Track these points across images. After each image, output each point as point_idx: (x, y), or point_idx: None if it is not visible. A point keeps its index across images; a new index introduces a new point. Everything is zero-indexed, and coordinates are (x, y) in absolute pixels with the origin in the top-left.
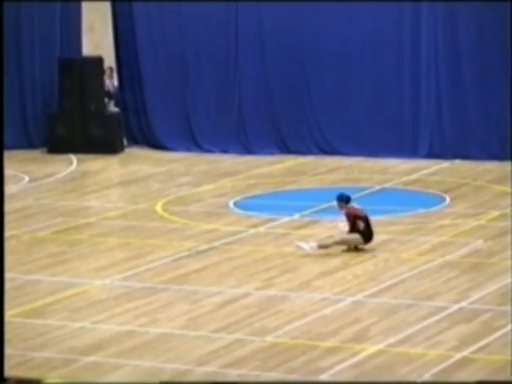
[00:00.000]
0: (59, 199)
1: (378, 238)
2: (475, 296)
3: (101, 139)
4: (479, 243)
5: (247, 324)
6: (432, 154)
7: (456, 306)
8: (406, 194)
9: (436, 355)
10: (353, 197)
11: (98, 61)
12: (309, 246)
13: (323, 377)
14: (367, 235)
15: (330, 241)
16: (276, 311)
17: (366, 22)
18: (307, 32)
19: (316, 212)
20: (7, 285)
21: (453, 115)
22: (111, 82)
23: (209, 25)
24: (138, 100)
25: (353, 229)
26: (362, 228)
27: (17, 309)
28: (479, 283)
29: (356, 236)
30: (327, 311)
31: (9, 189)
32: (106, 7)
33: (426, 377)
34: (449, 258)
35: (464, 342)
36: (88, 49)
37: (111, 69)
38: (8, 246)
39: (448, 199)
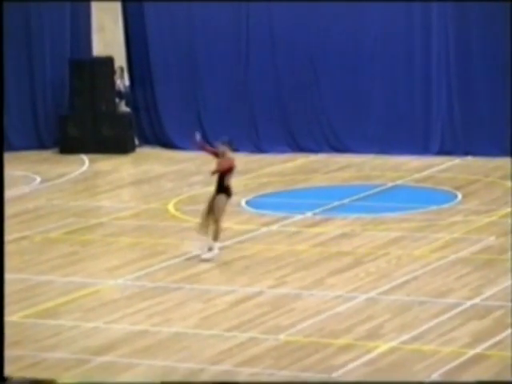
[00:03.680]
0: (71, 199)
1: (390, 234)
2: (488, 292)
3: (112, 139)
4: (491, 240)
5: (260, 322)
6: (443, 151)
7: (469, 303)
8: (417, 191)
9: (449, 352)
10: (364, 194)
11: (109, 61)
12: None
13: (336, 374)
14: (230, 191)
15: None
16: (289, 309)
17: (377, 19)
18: (317, 30)
19: (328, 210)
20: (19, 286)
21: (464, 112)
22: (122, 82)
23: (219, 23)
24: (149, 99)
25: (220, 181)
26: (228, 183)
27: (29, 309)
28: (491, 280)
29: (222, 198)
30: (340, 309)
31: (21, 189)
32: (117, 6)
33: (439, 373)
34: (461, 254)
35: (477, 339)
36: (98, 49)
37: (122, 68)
38: (20, 246)
39: (460, 196)
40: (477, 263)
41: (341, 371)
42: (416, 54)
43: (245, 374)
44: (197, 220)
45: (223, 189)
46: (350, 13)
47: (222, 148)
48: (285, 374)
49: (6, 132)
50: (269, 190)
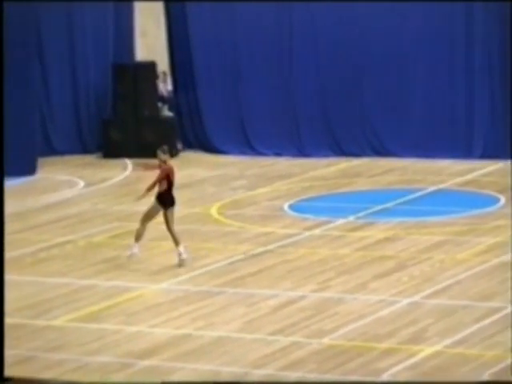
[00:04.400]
0: (114, 204)
1: (433, 238)
2: None
3: (155, 144)
4: None
5: (303, 326)
6: (486, 155)
7: None
8: (460, 195)
9: (493, 356)
10: (407, 198)
11: (152, 65)
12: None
13: (380, 378)
14: (168, 199)
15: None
16: (332, 313)
17: (420, 22)
18: (361, 34)
19: (371, 214)
20: (62, 290)
21: (507, 115)
22: (165, 87)
23: (263, 27)
24: (192, 104)
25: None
26: (164, 189)
27: (72, 314)
28: None
29: (155, 205)
30: (383, 313)
31: (64, 194)
32: (159, 11)
33: (483, 378)
34: (504, 258)
35: None
36: (141, 53)
37: (165, 73)
38: (64, 250)
39: (503, 200)
40: None
41: (384, 375)
42: (459, 57)
43: (288, 377)
44: (239, 224)
45: (158, 195)
46: (393, 17)
47: (163, 156)
48: (328, 378)
49: (50, 136)
50: (312, 194)
